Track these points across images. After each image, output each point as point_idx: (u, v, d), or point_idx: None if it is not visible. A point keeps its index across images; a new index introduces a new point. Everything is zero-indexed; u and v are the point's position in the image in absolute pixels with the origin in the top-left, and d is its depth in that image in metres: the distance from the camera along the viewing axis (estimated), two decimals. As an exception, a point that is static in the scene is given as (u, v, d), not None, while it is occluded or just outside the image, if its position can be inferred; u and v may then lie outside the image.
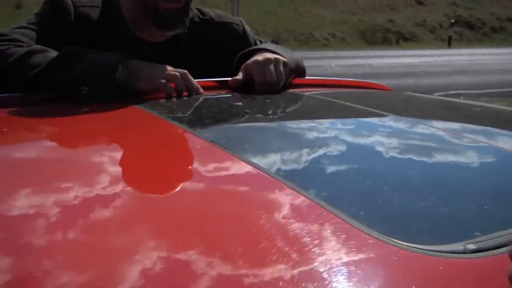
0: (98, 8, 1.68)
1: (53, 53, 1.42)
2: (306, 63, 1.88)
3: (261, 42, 1.90)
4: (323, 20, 27.25)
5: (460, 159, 1.02)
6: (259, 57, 1.61)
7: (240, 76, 1.59)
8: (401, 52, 22.30)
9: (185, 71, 1.46)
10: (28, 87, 1.38)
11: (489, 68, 16.63)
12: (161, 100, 1.40)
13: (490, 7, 36.32)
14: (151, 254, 0.57)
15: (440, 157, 1.03)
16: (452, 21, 30.79)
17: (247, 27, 1.90)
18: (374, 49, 23.73)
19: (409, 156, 1.00)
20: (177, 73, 1.44)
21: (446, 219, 0.73)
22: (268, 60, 1.57)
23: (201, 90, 1.46)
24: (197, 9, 1.82)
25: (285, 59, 1.64)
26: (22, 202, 0.73)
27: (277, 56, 1.62)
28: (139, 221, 0.67)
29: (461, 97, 10.05)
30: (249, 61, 1.61)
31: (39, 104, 1.37)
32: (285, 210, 0.70)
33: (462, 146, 1.11)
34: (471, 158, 1.03)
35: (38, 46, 1.47)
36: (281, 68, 1.59)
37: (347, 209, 0.69)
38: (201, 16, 1.81)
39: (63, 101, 1.36)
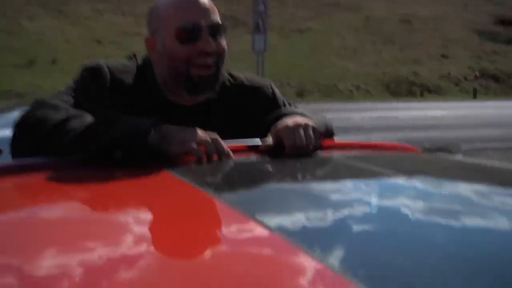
0: (132, 73, 1.75)
1: (89, 118, 1.47)
2: (331, 115, 1.89)
3: (290, 105, 1.91)
4: (347, 72, 27.56)
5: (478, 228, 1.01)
6: (289, 121, 1.61)
7: (270, 140, 1.60)
8: (426, 105, 22.35)
9: (216, 135, 1.47)
10: (65, 152, 1.42)
11: None
12: (192, 165, 1.41)
13: (514, 60, 36.44)
14: None
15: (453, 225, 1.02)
16: (477, 73, 30.86)
17: (277, 90, 1.93)
18: (399, 101, 23.86)
19: (421, 225, 1.00)
20: (208, 138, 1.45)
21: None
22: (298, 125, 1.57)
23: (231, 154, 1.47)
24: (228, 73, 1.86)
25: (314, 123, 1.65)
26: (49, 262, 0.75)
27: (307, 121, 1.63)
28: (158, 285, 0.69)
29: (488, 151, 10.01)
30: (279, 125, 1.61)
31: (76, 167, 1.41)
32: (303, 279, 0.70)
33: (481, 213, 1.10)
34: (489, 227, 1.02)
35: (76, 112, 1.52)
36: (311, 132, 1.59)
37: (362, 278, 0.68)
38: (231, 80, 1.85)
39: (98, 165, 1.39)
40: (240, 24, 32.91)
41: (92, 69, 1.72)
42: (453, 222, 0.99)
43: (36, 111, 1.55)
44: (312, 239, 0.85)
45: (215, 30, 1.66)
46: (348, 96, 24.03)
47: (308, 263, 0.75)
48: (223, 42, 1.71)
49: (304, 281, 0.69)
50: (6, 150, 1.68)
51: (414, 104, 22.09)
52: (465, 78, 31.40)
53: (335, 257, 0.77)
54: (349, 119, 14.26)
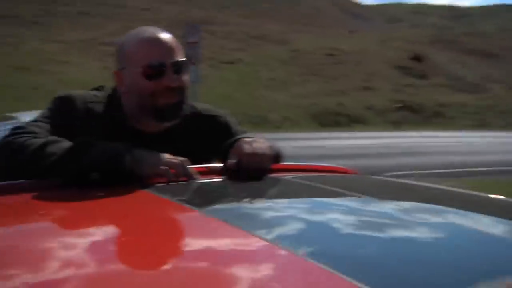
0: (102, 103, 1.84)
1: (66, 143, 1.54)
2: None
3: (243, 133, 2.02)
4: (276, 103, 27.98)
5: (413, 233, 1.18)
6: (247, 145, 1.74)
7: (233, 160, 1.71)
8: (352, 134, 23.05)
9: (184, 159, 1.58)
10: (45, 174, 1.48)
11: (433, 150, 17.39)
12: (162, 184, 1.51)
13: (430, 92, 38.11)
14: None
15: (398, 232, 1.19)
16: (397, 105, 32.11)
17: (230, 119, 2.07)
18: (325, 131, 24.37)
19: (363, 231, 1.16)
20: (177, 161, 1.56)
21: None
22: (255, 148, 1.71)
23: (197, 175, 1.58)
24: (190, 104, 1.98)
25: (268, 148, 1.79)
26: (29, 277, 0.82)
27: (262, 145, 1.77)
28: None
29: (413, 177, 10.41)
30: (239, 148, 1.73)
31: (55, 189, 1.46)
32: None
33: (413, 224, 1.28)
34: (422, 233, 1.19)
35: (53, 137, 1.60)
36: (266, 154, 1.73)
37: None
38: (191, 110, 1.96)
39: (77, 187, 1.46)
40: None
41: (64, 98, 1.81)
42: (382, 229, 1.16)
43: (16, 136, 1.62)
44: (272, 232, 1.00)
45: (179, 67, 1.79)
46: (277, 126, 24.30)
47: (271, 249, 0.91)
48: (186, 77, 1.83)
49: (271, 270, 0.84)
50: None
51: (341, 134, 22.64)
52: (387, 109, 32.63)
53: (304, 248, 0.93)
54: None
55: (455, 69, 45.91)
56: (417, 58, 45.43)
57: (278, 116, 26.01)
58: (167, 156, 1.57)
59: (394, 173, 10.97)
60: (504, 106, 38.03)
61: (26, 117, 5.55)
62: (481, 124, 34.25)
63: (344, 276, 0.79)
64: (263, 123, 25.10)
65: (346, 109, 30.81)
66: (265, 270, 0.88)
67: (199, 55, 15.42)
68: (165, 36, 1.83)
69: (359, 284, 0.76)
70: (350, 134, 23.25)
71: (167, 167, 1.53)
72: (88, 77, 25.89)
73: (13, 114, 6.36)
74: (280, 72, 35.44)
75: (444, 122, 33.24)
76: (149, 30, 1.86)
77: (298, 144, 16.22)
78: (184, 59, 1.83)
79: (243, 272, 0.88)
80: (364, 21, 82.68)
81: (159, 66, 1.74)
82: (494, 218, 1.45)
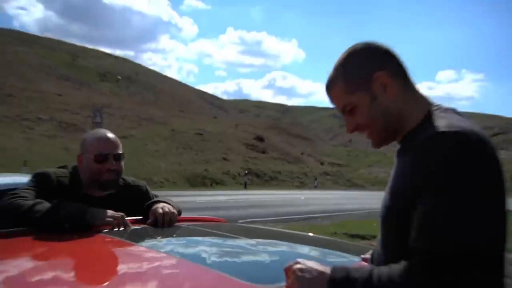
0: (67, 177, 1.92)
1: (47, 204, 1.63)
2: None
3: (156, 196, 2.14)
4: (159, 169, 27.13)
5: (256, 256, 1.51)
6: (160, 206, 1.91)
7: (151, 218, 1.85)
8: (214, 192, 22.76)
9: (123, 214, 1.71)
10: (34, 224, 1.57)
11: (270, 203, 17.48)
12: (108, 230, 1.66)
13: (268, 163, 39.53)
14: None
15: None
16: (246, 171, 32.78)
17: (148, 188, 2.17)
18: (195, 190, 24.00)
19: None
20: (119, 215, 1.69)
21: None
22: (165, 211, 1.88)
23: (130, 225, 1.73)
24: (121, 178, 2.05)
25: (173, 206, 1.95)
26: None
27: (169, 205, 1.94)
28: None
29: (258, 223, 10.60)
30: (155, 210, 1.88)
31: (41, 233, 1.53)
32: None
33: (256, 250, 1.61)
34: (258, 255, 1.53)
35: (39, 200, 1.68)
36: (173, 211, 1.90)
37: None
38: (124, 182, 2.06)
39: (54, 232, 1.55)
40: (79, 130, 31.35)
41: (42, 174, 1.89)
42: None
43: (14, 198, 1.69)
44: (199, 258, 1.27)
45: (117, 157, 1.91)
46: (160, 186, 23.53)
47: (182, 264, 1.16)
48: (122, 163, 1.96)
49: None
50: None
51: (207, 192, 22.41)
52: (239, 174, 32.82)
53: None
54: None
55: (284, 147, 48.04)
56: (260, 139, 46.48)
57: (161, 178, 25.31)
58: (110, 212, 1.71)
59: (245, 220, 10.75)
60: (315, 172, 40.57)
61: None
62: (302, 185, 36.08)
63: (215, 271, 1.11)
64: (149, 184, 23.63)
65: (210, 174, 30.60)
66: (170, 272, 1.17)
67: (102, 132, 14.79)
68: (111, 135, 1.95)
69: (224, 274, 1.08)
70: (213, 192, 23.07)
71: (111, 219, 1.67)
72: (13, 145, 23.72)
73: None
74: (162, 145, 34.74)
75: (278, 184, 34.23)
76: (102, 131, 1.99)
77: (176, 200, 15.76)
78: (121, 152, 1.95)
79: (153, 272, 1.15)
80: (222, 110, 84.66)
81: (104, 155, 1.89)
82: (303, 245, 1.83)
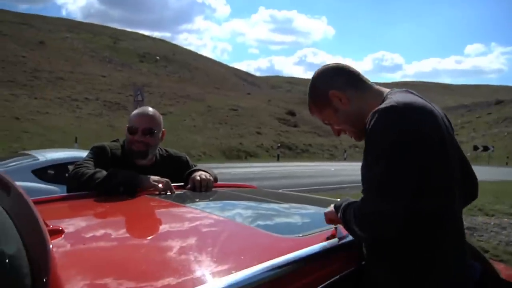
0: (118, 149, 2.11)
1: (105, 172, 1.83)
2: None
3: (195, 165, 2.32)
4: (196, 143, 27.48)
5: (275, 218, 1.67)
6: (197, 173, 2.08)
7: (190, 184, 2.05)
8: (249, 164, 22.85)
9: (167, 179, 1.89)
10: (95, 189, 1.77)
11: (302, 174, 17.55)
12: (156, 194, 1.86)
13: (300, 136, 39.43)
14: None
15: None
16: (278, 144, 32.75)
17: (189, 158, 2.35)
18: (231, 162, 24.12)
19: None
20: (163, 180, 1.88)
21: None
22: (202, 178, 2.06)
23: (173, 189, 1.91)
24: (164, 149, 2.27)
25: (210, 174, 2.12)
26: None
27: (206, 173, 2.11)
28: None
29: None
30: (193, 176, 2.07)
31: (100, 196, 1.73)
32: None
33: (288, 212, 1.78)
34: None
35: (97, 169, 1.88)
36: (208, 179, 2.07)
37: None
38: (166, 153, 2.25)
39: (111, 195, 1.74)
40: (122, 108, 32.20)
41: (100, 148, 2.07)
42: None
43: (78, 168, 1.90)
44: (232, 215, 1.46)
45: (146, 131, 2.06)
46: (198, 159, 23.56)
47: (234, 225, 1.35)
48: (153, 137, 2.06)
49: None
50: None
51: (241, 164, 22.49)
52: (272, 147, 32.88)
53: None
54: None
55: (315, 121, 47.41)
56: (291, 113, 46.18)
57: (199, 151, 25.58)
58: (156, 177, 1.89)
59: (276, 190, 10.89)
60: (345, 145, 40.15)
61: (38, 154, 5.43)
62: (332, 157, 35.89)
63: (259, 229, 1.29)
64: (188, 157, 24.27)
65: (244, 147, 30.75)
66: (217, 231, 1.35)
67: (143, 109, 15.08)
68: (146, 112, 2.09)
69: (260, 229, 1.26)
70: (247, 164, 23.16)
71: (157, 183, 1.85)
72: (63, 124, 24.61)
73: (28, 152, 6.16)
74: (199, 121, 34.97)
75: (309, 156, 34.10)
76: (143, 108, 2.13)
77: (214, 172, 15.97)
78: (153, 127, 2.07)
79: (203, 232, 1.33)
80: (255, 86, 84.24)
81: (134, 128, 2.06)
82: (304, 201, 2.03)
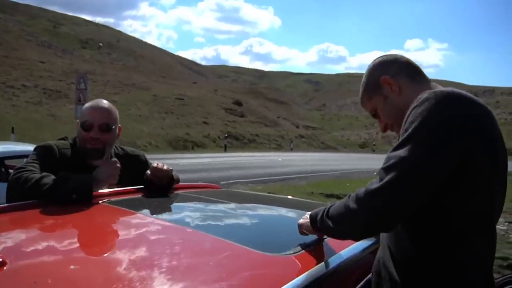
0: (68, 148, 1.87)
1: (52, 176, 1.62)
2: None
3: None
4: (143, 133, 26.81)
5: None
6: (154, 164, 1.92)
7: (147, 176, 1.90)
8: (196, 155, 22.61)
9: (115, 160, 1.79)
10: (42, 197, 1.55)
11: (250, 165, 17.60)
12: (110, 200, 1.68)
13: (247, 126, 39.56)
14: None
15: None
16: (226, 135, 32.74)
17: (146, 157, 2.15)
18: (178, 153, 23.79)
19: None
20: (115, 166, 1.75)
21: None
22: (160, 165, 1.91)
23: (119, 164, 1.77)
24: (120, 147, 2.06)
25: (171, 171, 1.94)
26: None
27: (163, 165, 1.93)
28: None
29: (238, 184, 10.78)
30: (152, 167, 1.91)
31: (48, 206, 1.53)
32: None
33: (239, 214, 1.70)
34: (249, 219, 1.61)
35: (44, 174, 1.64)
36: (167, 169, 1.91)
37: None
38: (122, 151, 2.04)
39: (61, 204, 1.54)
40: (64, 97, 30.56)
41: (46, 147, 1.83)
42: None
43: (21, 173, 1.64)
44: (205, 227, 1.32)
45: (103, 127, 1.84)
46: (144, 150, 23.23)
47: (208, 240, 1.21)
48: (110, 134, 1.86)
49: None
50: None
51: (188, 155, 22.19)
52: (219, 137, 32.80)
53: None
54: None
55: (262, 111, 48.00)
56: (238, 103, 46.19)
57: (144, 142, 25.06)
58: (107, 167, 1.74)
59: (227, 181, 10.97)
60: (291, 135, 40.88)
61: None
62: (279, 147, 36.40)
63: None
64: (133, 147, 23.63)
65: (191, 137, 30.47)
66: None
67: (86, 97, 14.52)
68: (102, 106, 1.87)
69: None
70: (194, 155, 22.94)
71: (112, 175, 1.73)
72: (0, 112, 22.96)
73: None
74: (144, 110, 34.22)
75: (256, 146, 34.45)
76: (97, 101, 1.91)
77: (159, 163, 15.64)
78: (110, 122, 1.86)
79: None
80: (201, 75, 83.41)
81: (89, 123, 1.83)
82: (282, 208, 1.92)
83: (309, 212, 1.25)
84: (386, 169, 1.02)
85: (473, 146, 1.01)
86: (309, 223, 1.23)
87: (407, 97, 1.20)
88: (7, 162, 4.90)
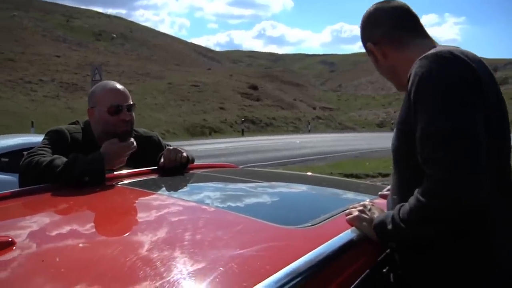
0: (79, 132, 1.86)
1: (64, 159, 1.59)
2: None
3: (168, 145, 2.09)
4: (159, 121, 27.01)
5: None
6: (171, 149, 1.89)
7: (161, 161, 1.86)
8: (214, 140, 22.78)
9: (132, 140, 1.78)
10: (54, 180, 1.54)
11: (268, 148, 17.66)
12: (124, 182, 1.64)
13: (263, 110, 39.52)
14: None
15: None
16: (242, 119, 32.79)
17: (160, 137, 2.15)
18: (195, 139, 23.91)
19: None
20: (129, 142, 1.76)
21: None
22: (174, 148, 1.89)
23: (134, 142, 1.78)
24: (134, 129, 1.99)
25: (185, 153, 1.90)
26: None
27: (180, 151, 1.89)
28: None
29: (256, 168, 10.79)
30: (165, 152, 1.87)
31: (61, 189, 1.52)
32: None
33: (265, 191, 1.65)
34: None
35: (56, 156, 1.63)
36: (181, 155, 1.87)
37: None
38: (136, 133, 1.99)
39: (74, 187, 1.52)
40: (80, 89, 30.91)
41: (58, 132, 1.82)
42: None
43: (32, 156, 1.63)
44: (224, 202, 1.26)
45: (130, 108, 1.86)
46: (162, 137, 23.25)
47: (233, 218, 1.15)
48: (133, 114, 1.87)
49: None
50: None
51: (206, 141, 22.31)
52: (236, 122, 32.87)
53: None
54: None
55: (277, 94, 47.89)
56: (253, 87, 46.19)
57: (162, 130, 25.22)
58: (118, 145, 1.73)
59: (246, 165, 10.85)
60: (308, 117, 40.67)
61: None
62: (296, 129, 36.29)
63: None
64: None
65: (208, 123, 30.56)
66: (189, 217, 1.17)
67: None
68: (121, 87, 1.87)
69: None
70: (212, 140, 23.04)
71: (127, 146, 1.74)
72: (17, 108, 23.21)
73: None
74: (160, 98, 34.47)
75: (274, 129, 34.34)
76: (111, 83, 1.89)
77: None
78: (132, 102, 1.88)
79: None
80: (215, 62, 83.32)
81: (118, 107, 1.82)
82: (305, 184, 1.88)
83: (363, 203, 1.19)
84: (436, 151, 0.94)
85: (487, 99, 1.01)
86: (372, 231, 1.10)
87: (392, 61, 1.25)
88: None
